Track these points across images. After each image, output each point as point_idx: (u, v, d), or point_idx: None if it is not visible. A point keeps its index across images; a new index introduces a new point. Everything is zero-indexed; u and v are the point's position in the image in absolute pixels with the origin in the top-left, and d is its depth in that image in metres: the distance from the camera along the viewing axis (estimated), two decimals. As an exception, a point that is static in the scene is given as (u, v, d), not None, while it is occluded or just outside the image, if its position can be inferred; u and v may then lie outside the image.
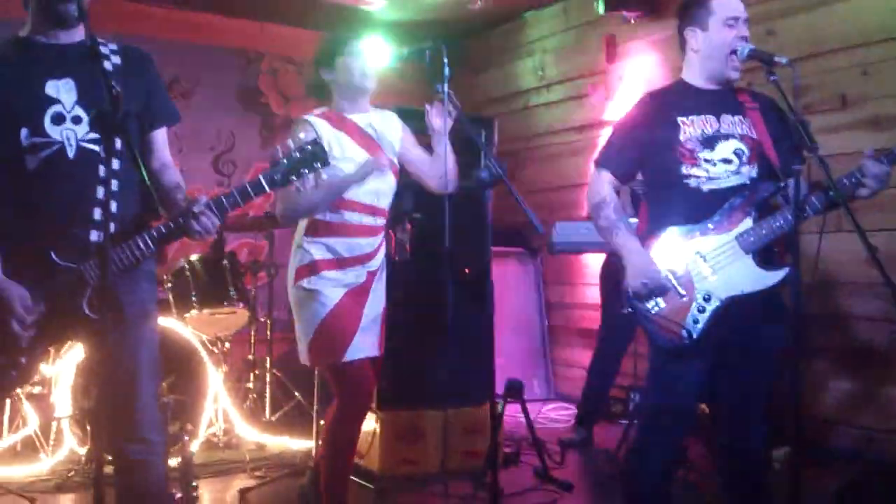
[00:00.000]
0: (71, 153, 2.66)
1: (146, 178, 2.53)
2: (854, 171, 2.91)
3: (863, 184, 2.90)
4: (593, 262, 5.86)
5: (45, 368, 4.64)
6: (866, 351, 5.01)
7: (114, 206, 2.55)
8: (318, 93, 3.67)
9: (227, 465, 4.92)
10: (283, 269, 5.86)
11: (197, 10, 7.27)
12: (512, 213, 6.44)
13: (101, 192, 2.66)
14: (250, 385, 5.66)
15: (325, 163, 2.79)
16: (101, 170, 2.66)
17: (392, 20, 7.36)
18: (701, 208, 3.02)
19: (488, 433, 4.39)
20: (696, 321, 2.96)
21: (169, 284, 5.24)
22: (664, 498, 3.15)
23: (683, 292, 2.99)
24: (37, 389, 4.74)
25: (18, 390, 4.55)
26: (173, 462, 4.12)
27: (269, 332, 5.70)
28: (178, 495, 3.81)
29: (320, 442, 3.82)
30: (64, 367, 4.72)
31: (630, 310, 3.05)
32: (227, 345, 5.56)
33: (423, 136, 3.70)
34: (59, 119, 2.67)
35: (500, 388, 4.66)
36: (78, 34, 2.76)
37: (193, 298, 5.16)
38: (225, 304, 5.22)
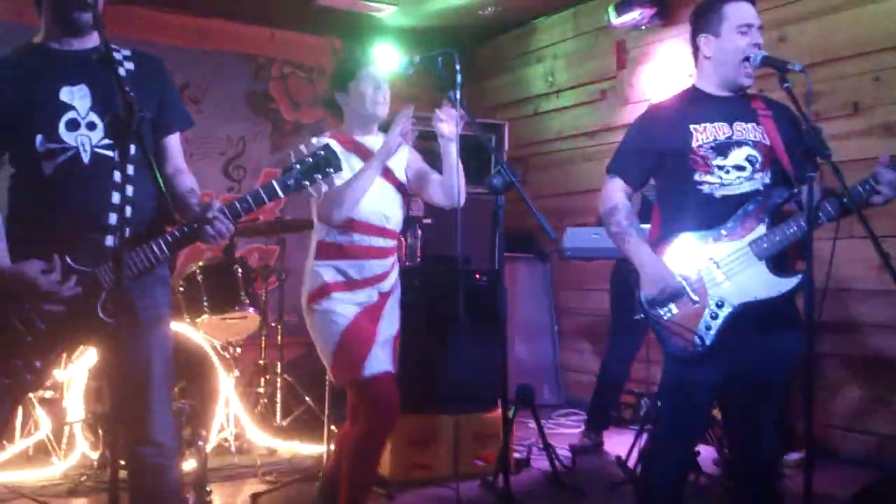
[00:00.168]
0: (86, 159, 2.68)
1: (161, 183, 2.54)
2: (868, 177, 2.91)
3: (877, 191, 2.90)
4: (603, 268, 5.86)
5: (57, 373, 4.64)
6: (879, 357, 5.00)
7: (128, 212, 2.57)
8: (333, 111, 3.66)
9: (238, 470, 4.92)
10: (293, 273, 5.92)
11: (208, 17, 7.29)
12: (522, 218, 6.48)
13: (115, 197, 2.67)
14: (261, 390, 5.66)
15: (338, 168, 2.81)
16: (116, 175, 2.68)
17: (402, 27, 7.38)
18: (714, 215, 3.02)
19: (500, 438, 4.40)
20: (708, 328, 2.96)
21: (180, 289, 5.26)
22: (677, 503, 3.15)
23: (696, 298, 2.99)
24: (49, 394, 4.75)
25: (31, 395, 4.56)
26: (187, 466, 4.14)
27: (279, 337, 5.71)
28: (192, 500, 3.82)
29: (336, 453, 3.78)
30: (76, 371, 4.72)
31: (642, 316, 3.05)
32: (238, 349, 5.57)
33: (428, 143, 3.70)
34: (73, 125, 2.69)
35: (510, 394, 4.66)
36: (91, 41, 2.78)
37: (205, 303, 5.17)
38: (236, 308, 5.23)
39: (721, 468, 4.66)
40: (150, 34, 6.79)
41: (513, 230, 6.69)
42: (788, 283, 2.96)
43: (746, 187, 3.02)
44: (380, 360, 3.45)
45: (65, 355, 4.16)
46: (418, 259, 5.14)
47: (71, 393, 4.73)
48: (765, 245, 2.96)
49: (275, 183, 2.74)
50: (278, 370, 5.62)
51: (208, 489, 4.04)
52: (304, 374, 5.61)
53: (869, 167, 2.95)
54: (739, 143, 3.05)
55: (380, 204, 3.51)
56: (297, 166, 2.74)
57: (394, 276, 3.62)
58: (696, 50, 3.20)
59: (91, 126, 2.70)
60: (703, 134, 3.06)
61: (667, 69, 6.36)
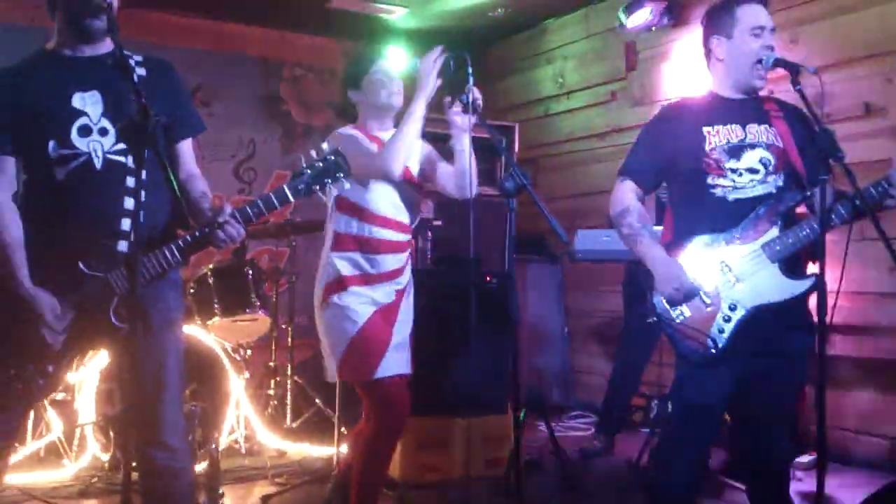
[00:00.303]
0: (98, 164, 2.70)
1: (176, 188, 2.55)
2: (881, 180, 2.90)
3: (890, 194, 2.88)
4: (614, 270, 5.84)
5: (69, 375, 4.64)
6: (891, 360, 4.98)
7: (141, 217, 2.58)
8: (345, 115, 3.64)
9: (248, 472, 4.92)
10: (303, 275, 5.94)
11: (219, 19, 7.31)
12: (532, 220, 6.46)
13: (128, 202, 2.69)
14: (271, 392, 5.67)
15: (348, 173, 2.81)
16: (129, 181, 2.70)
17: (412, 28, 7.38)
18: (727, 217, 3.01)
19: (511, 441, 4.39)
20: (721, 331, 2.95)
21: (191, 291, 5.27)
22: (690, 506, 3.15)
23: (709, 301, 2.98)
24: (60, 396, 4.75)
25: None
26: (199, 468, 4.14)
27: (290, 339, 5.72)
28: (204, 502, 3.82)
29: (350, 453, 3.79)
30: (88, 373, 4.73)
31: (655, 319, 3.04)
32: (249, 351, 5.58)
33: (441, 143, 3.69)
34: (85, 131, 2.70)
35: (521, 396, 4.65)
36: (104, 47, 2.80)
37: (216, 305, 5.19)
38: (247, 311, 5.25)
39: (732, 471, 4.65)
40: (161, 37, 6.81)
41: (523, 232, 6.67)
42: (801, 286, 2.95)
43: (759, 190, 3.01)
44: (392, 364, 3.44)
45: (77, 359, 4.17)
46: (428, 261, 5.14)
47: (82, 395, 4.74)
48: (778, 248, 2.95)
49: (286, 187, 2.74)
50: (289, 372, 5.62)
51: (221, 492, 4.04)
52: (315, 376, 5.59)
53: (881, 169, 2.94)
54: (752, 146, 3.04)
55: (396, 197, 3.50)
56: (308, 171, 2.75)
57: (408, 273, 3.62)
58: (707, 52, 3.19)
59: (103, 132, 2.72)
60: (716, 136, 3.05)
61: (677, 70, 6.35)
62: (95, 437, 4.77)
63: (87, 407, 4.74)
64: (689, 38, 6.10)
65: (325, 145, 2.80)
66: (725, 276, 2.99)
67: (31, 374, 2.63)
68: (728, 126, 3.06)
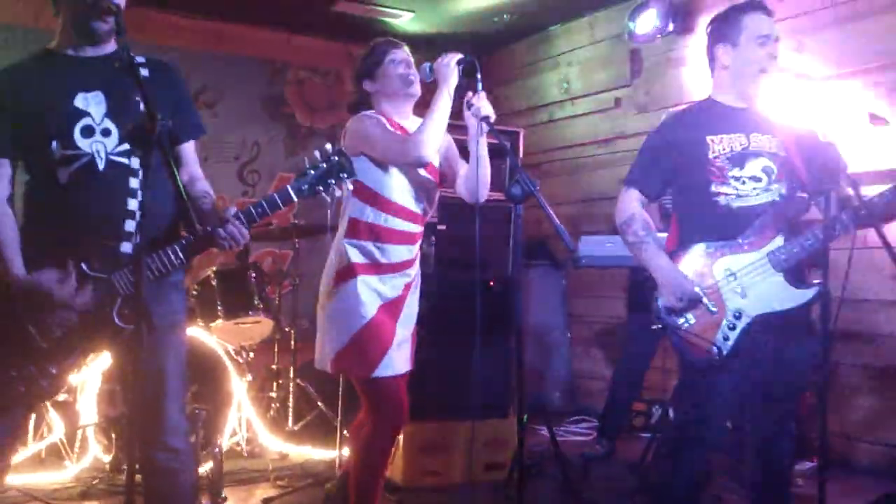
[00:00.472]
0: (101, 165, 2.69)
1: (182, 190, 2.53)
2: (886, 191, 2.90)
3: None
4: (617, 275, 5.85)
5: (70, 376, 4.65)
6: (893, 367, 4.98)
7: (143, 218, 2.59)
8: (359, 110, 3.56)
9: (250, 475, 4.91)
10: (306, 278, 5.94)
11: (224, 21, 7.32)
12: (536, 225, 6.48)
13: (131, 204, 2.69)
14: (273, 394, 5.67)
15: (351, 173, 2.81)
16: (132, 182, 2.70)
17: (418, 33, 7.39)
18: (731, 225, 3.02)
19: (513, 445, 4.39)
20: (726, 338, 2.96)
21: (195, 294, 5.28)
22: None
23: (714, 309, 2.99)
24: (62, 397, 4.74)
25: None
26: (201, 471, 4.14)
27: (292, 342, 5.71)
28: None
29: (351, 454, 3.79)
30: (90, 374, 4.74)
31: (660, 326, 3.05)
32: (252, 354, 5.58)
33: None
34: (88, 132, 2.69)
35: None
36: (108, 47, 2.79)
37: (219, 308, 5.20)
38: (250, 313, 5.26)
39: (734, 476, 4.64)
40: (166, 38, 6.83)
41: (526, 237, 6.70)
42: (806, 295, 2.96)
43: (763, 198, 3.02)
44: (393, 363, 3.42)
45: (80, 361, 4.18)
46: (432, 266, 5.14)
47: (84, 396, 4.75)
48: (783, 256, 2.96)
49: (289, 188, 2.74)
50: (291, 375, 5.62)
51: (223, 495, 4.04)
52: (317, 379, 5.60)
53: (886, 179, 2.94)
54: (756, 154, 3.05)
55: (413, 186, 3.46)
56: (312, 171, 2.75)
57: (417, 265, 3.58)
58: (712, 60, 3.20)
59: (106, 133, 2.71)
60: (720, 145, 3.06)
61: (682, 78, 6.35)
62: (97, 439, 4.78)
63: (88, 408, 4.75)
64: (695, 46, 6.10)
65: (328, 146, 2.80)
66: (730, 284, 2.99)
67: (34, 376, 2.63)
68: (732, 135, 3.07)
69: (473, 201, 3.53)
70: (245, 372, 5.31)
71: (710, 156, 3.05)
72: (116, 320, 2.65)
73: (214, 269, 5.37)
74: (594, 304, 7.10)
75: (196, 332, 5.01)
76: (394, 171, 3.42)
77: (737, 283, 2.99)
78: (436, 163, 3.57)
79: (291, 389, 5.60)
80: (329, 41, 7.77)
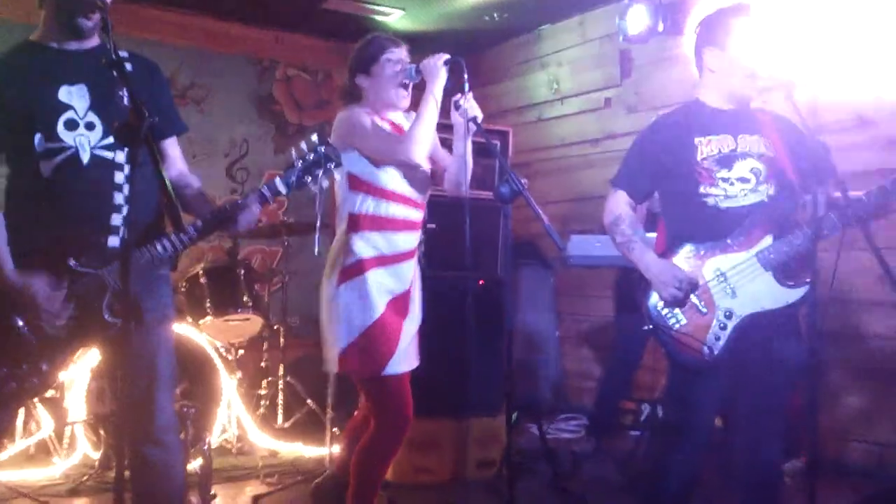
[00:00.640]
0: (85, 159, 2.70)
1: (169, 186, 2.52)
2: (872, 190, 2.92)
3: (882, 204, 2.90)
4: (606, 274, 5.86)
5: (61, 372, 4.65)
6: (881, 367, 5.01)
7: (129, 211, 2.60)
8: (350, 98, 3.56)
9: (239, 472, 4.92)
10: (296, 276, 5.94)
11: (213, 18, 7.30)
12: (525, 224, 6.49)
13: (117, 198, 2.70)
14: (263, 392, 5.67)
15: (338, 164, 2.85)
16: (117, 176, 2.70)
17: (408, 31, 7.38)
18: (720, 226, 3.03)
19: (503, 443, 4.41)
20: (717, 338, 2.97)
21: (183, 290, 5.28)
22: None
23: (705, 310, 3.00)
24: (50, 393, 4.74)
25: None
26: (190, 468, 4.14)
27: (281, 339, 5.72)
28: (195, 502, 3.82)
29: (345, 452, 3.77)
30: (78, 371, 4.74)
31: (650, 327, 3.06)
32: (241, 351, 5.59)
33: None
34: (72, 125, 2.69)
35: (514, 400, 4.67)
36: (91, 41, 2.79)
37: (208, 305, 5.20)
38: (239, 310, 5.26)
39: (724, 477, 4.66)
40: (155, 33, 6.81)
41: (516, 236, 6.71)
42: (795, 294, 2.97)
43: (751, 199, 3.04)
44: (403, 359, 3.41)
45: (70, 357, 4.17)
46: (422, 264, 5.13)
47: (72, 393, 4.75)
48: (772, 256, 2.97)
49: (277, 181, 2.78)
50: (280, 372, 5.63)
51: (212, 492, 4.04)
52: (307, 377, 5.62)
53: (874, 179, 2.96)
54: (744, 156, 3.07)
55: (409, 174, 3.45)
56: (299, 163, 2.78)
57: (417, 254, 3.57)
58: (699, 61, 3.21)
59: (90, 126, 2.71)
60: (708, 147, 3.07)
61: (672, 78, 6.36)
62: (86, 436, 4.78)
63: (77, 405, 4.75)
64: (685, 46, 6.11)
65: (314, 137, 2.82)
66: (721, 284, 3.01)
67: (25, 373, 2.63)
68: (719, 136, 3.08)
69: (455, 194, 3.56)
70: (234, 369, 5.32)
71: (698, 158, 3.06)
72: (106, 315, 2.64)
73: (203, 266, 5.37)
74: (583, 303, 7.12)
75: (185, 329, 5.01)
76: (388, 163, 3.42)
77: (726, 284, 3.00)
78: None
79: (281, 387, 5.60)
80: (318, 39, 7.76)
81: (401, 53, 3.51)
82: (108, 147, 2.71)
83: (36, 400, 4.72)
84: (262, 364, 5.82)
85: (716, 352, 2.97)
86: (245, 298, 5.29)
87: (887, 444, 4.96)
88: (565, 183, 7.33)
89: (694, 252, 3.05)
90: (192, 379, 4.98)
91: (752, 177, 3.05)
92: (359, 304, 3.35)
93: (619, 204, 3.22)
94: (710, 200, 3.06)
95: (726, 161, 3.06)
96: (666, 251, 3.12)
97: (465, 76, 3.28)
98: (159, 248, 2.67)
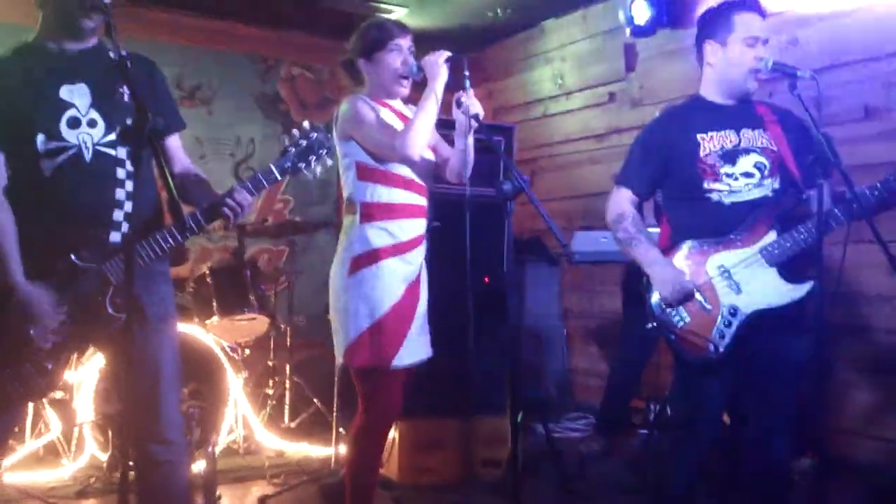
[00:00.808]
0: (87, 157, 2.70)
1: (170, 182, 2.51)
2: (877, 183, 2.90)
3: (887, 197, 2.88)
4: (612, 271, 5.84)
5: (67, 374, 4.65)
6: (889, 362, 4.98)
7: (133, 207, 2.60)
8: (350, 71, 3.54)
9: (246, 472, 4.92)
10: (302, 275, 5.94)
11: (217, 18, 7.30)
12: (530, 220, 6.47)
13: (119, 193, 2.71)
14: (270, 391, 5.67)
15: (331, 150, 2.87)
16: (119, 172, 2.71)
17: (412, 28, 7.35)
18: (724, 222, 3.02)
19: (509, 443, 4.39)
20: (722, 335, 2.96)
21: (190, 291, 5.28)
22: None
23: (709, 307, 2.98)
24: (59, 395, 4.74)
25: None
26: (196, 469, 4.14)
27: (288, 339, 5.71)
28: (201, 503, 3.83)
29: (346, 452, 3.77)
30: (86, 372, 4.75)
31: (655, 325, 3.04)
32: (247, 351, 5.59)
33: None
34: (74, 123, 2.69)
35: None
36: (89, 42, 2.80)
37: (214, 305, 5.20)
38: (246, 310, 5.26)
39: (732, 474, 4.65)
40: (160, 35, 6.81)
41: (521, 233, 6.70)
42: (801, 290, 2.96)
43: (755, 194, 3.02)
44: (410, 352, 3.39)
45: (75, 357, 4.18)
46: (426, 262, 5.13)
47: (81, 394, 4.75)
48: (776, 251, 2.96)
49: (272, 166, 2.78)
50: (287, 372, 5.62)
51: (218, 494, 4.04)
52: (313, 376, 5.62)
53: (879, 172, 2.94)
54: (747, 151, 3.05)
55: (413, 161, 3.41)
56: (292, 149, 2.80)
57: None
58: (700, 54, 3.20)
59: (92, 124, 2.71)
60: (711, 143, 3.06)
61: (677, 72, 6.34)
62: (94, 437, 4.78)
63: (85, 406, 4.75)
64: (689, 40, 6.08)
65: (305, 123, 2.84)
66: (725, 280, 2.99)
67: (30, 373, 2.63)
68: (722, 132, 3.07)
69: (455, 181, 3.55)
70: (241, 369, 5.32)
71: (702, 154, 3.05)
72: (109, 309, 2.65)
73: (210, 266, 5.37)
74: (590, 300, 7.10)
75: (192, 329, 5.01)
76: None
77: (731, 280, 2.98)
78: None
79: (288, 386, 5.60)
80: (322, 38, 7.75)
81: (406, 43, 3.47)
82: (110, 144, 2.72)
83: (45, 401, 4.73)
84: (269, 364, 5.82)
85: (721, 349, 2.95)
86: (251, 298, 5.29)
87: (896, 439, 4.94)
88: (571, 179, 7.31)
89: (697, 248, 3.04)
90: (199, 379, 4.98)
91: (757, 171, 3.03)
92: (373, 293, 3.32)
93: (622, 201, 3.20)
94: (714, 196, 3.04)
95: (730, 156, 3.05)
96: (669, 247, 3.11)
97: (467, 73, 3.27)
98: (160, 240, 2.68)
